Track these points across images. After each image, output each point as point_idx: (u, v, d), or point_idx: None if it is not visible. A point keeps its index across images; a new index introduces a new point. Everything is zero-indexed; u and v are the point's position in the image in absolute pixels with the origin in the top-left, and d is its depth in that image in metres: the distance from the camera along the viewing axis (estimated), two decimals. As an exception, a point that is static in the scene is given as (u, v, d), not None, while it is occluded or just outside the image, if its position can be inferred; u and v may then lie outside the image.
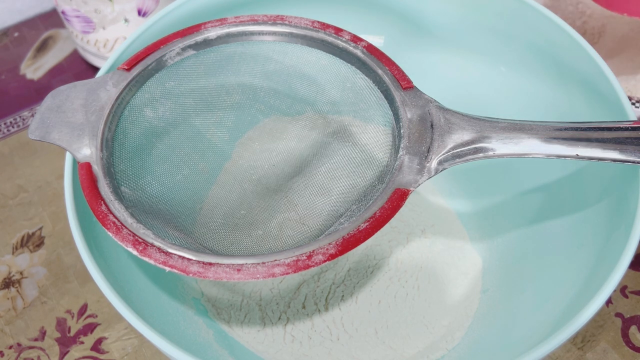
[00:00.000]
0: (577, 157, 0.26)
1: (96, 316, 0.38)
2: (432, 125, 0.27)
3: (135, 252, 0.24)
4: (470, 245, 0.38)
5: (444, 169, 0.26)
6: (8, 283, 0.40)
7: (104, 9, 0.44)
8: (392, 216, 0.25)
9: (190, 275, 0.23)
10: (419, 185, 0.26)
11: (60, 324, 0.38)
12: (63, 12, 0.46)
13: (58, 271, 0.40)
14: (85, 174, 0.26)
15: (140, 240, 0.24)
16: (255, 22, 0.32)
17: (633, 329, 0.37)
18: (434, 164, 0.26)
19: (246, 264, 0.23)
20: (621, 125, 0.26)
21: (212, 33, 0.31)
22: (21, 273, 0.40)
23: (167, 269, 0.23)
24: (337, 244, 0.24)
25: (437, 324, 0.35)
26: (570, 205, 0.33)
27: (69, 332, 0.37)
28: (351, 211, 0.27)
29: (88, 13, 0.45)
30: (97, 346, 0.37)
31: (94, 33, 0.46)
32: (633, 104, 0.32)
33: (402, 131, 0.27)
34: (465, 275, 0.37)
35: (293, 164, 0.34)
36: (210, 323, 0.34)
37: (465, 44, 0.38)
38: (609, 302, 0.38)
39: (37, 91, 0.51)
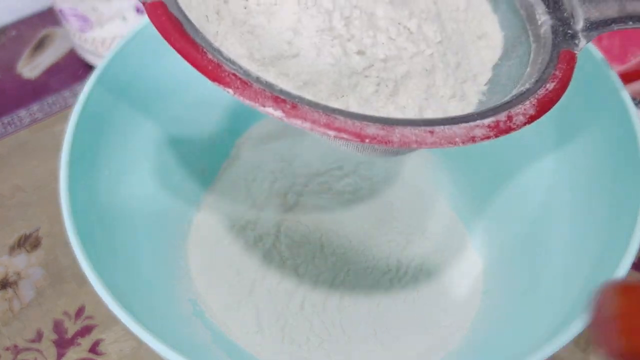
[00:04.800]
0: None
1: (94, 318, 0.38)
2: None
3: (281, 113, 0.19)
4: (471, 245, 0.38)
5: (596, 35, 0.25)
6: (5, 284, 0.39)
7: (101, 7, 0.44)
8: (571, 77, 0.23)
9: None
10: (581, 50, 0.25)
11: (58, 326, 0.37)
12: (60, 11, 0.46)
13: (55, 272, 0.40)
14: (163, 17, 0.20)
15: (282, 98, 0.19)
16: None
17: (635, 329, 0.36)
18: (583, 27, 0.25)
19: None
20: None
21: None
22: (18, 274, 0.40)
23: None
24: (534, 105, 0.22)
25: (438, 325, 0.34)
26: (572, 206, 0.32)
27: (66, 333, 0.37)
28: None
29: (85, 11, 0.44)
30: (94, 348, 0.36)
31: (92, 31, 0.46)
32: (636, 104, 0.32)
33: None
34: (466, 276, 0.36)
35: None
36: (208, 324, 0.34)
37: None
38: (610, 302, 0.38)
39: (34, 90, 0.51)
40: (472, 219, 0.39)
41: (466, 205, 0.40)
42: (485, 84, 0.26)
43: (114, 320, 0.37)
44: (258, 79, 0.20)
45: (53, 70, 0.52)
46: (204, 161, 0.40)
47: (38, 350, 0.36)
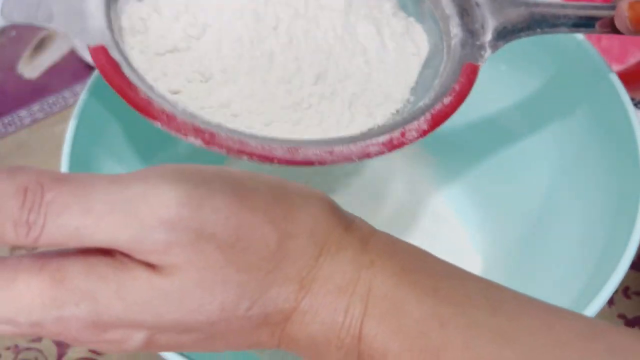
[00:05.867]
0: None
1: (94, 317, 0.38)
2: (477, 4, 0.27)
3: (201, 142, 0.22)
4: (470, 245, 0.38)
5: (503, 44, 0.27)
6: (5, 284, 0.39)
7: (101, 8, 0.44)
8: (470, 90, 0.25)
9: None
10: (485, 60, 0.26)
11: (58, 325, 0.37)
12: (60, 11, 0.46)
13: (56, 272, 0.40)
14: (103, 60, 0.23)
15: (201, 128, 0.22)
16: None
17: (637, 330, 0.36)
18: (491, 39, 0.26)
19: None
20: None
21: None
22: (18, 274, 0.40)
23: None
24: (428, 120, 0.24)
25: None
26: (572, 206, 0.32)
27: (67, 333, 0.37)
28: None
29: (85, 12, 0.44)
30: (94, 347, 0.36)
31: (92, 32, 0.46)
32: (635, 105, 0.32)
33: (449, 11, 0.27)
34: (466, 276, 0.36)
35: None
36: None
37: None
38: (610, 303, 0.38)
39: (34, 90, 0.51)
40: (472, 220, 0.39)
41: (467, 206, 0.40)
42: (410, 93, 0.27)
43: (114, 320, 0.37)
44: (184, 111, 0.23)
45: (53, 71, 0.52)
46: (203, 162, 0.39)
47: (39, 350, 0.36)
